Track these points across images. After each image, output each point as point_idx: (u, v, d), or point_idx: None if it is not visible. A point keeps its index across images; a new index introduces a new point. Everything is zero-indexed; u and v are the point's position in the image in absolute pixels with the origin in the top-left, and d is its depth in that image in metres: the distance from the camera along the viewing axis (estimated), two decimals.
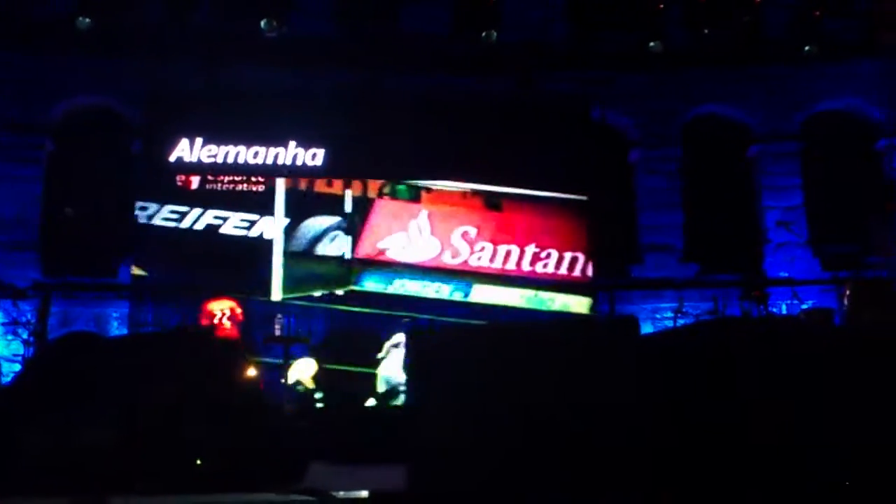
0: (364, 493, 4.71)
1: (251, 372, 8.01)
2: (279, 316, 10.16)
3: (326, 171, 11.80)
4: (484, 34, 11.92)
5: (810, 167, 13.81)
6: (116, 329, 11.76)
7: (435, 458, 4.44)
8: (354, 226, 11.57)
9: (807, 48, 12.68)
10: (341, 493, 4.68)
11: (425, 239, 11.60)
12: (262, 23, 11.27)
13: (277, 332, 10.05)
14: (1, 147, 12.49)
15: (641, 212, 13.75)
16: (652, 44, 12.31)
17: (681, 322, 11.15)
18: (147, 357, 5.64)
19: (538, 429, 4.43)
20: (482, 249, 11.70)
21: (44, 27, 11.91)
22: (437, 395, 4.60)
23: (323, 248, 11.47)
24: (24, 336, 10.00)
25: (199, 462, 5.25)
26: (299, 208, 11.59)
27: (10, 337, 10.63)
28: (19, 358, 9.98)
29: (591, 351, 4.64)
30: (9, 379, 9.72)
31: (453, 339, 4.89)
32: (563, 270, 11.90)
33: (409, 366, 4.64)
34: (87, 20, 10.91)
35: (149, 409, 5.24)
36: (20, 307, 10.51)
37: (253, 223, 11.48)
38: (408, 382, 4.59)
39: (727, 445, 4.37)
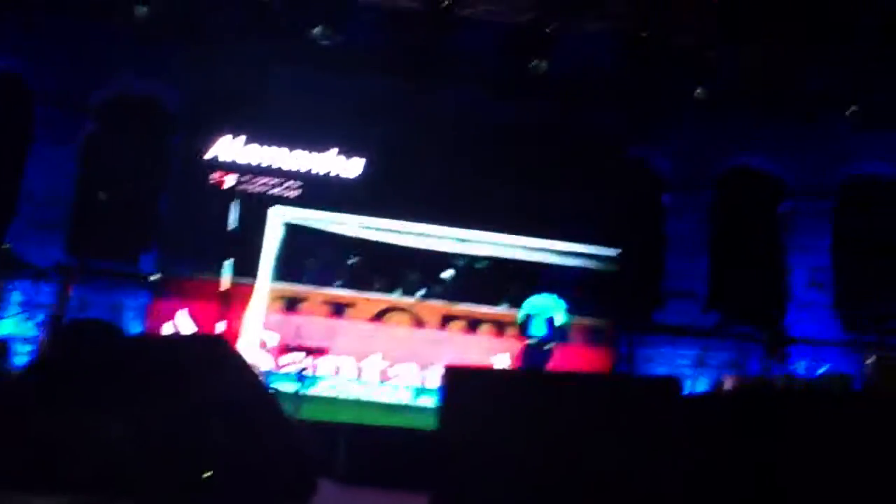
0: None
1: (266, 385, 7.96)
2: (298, 325, 10.03)
3: (363, 183, 11.84)
4: (534, 63, 11.85)
5: (841, 228, 13.70)
6: (132, 320, 11.66)
7: (460, 495, 4.37)
8: None
9: (850, 110, 12.58)
10: None
11: None
12: (317, 29, 11.21)
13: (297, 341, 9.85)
14: (41, 121, 12.40)
15: (668, 256, 13.64)
16: (698, 90, 12.24)
17: (701, 372, 11.10)
18: (169, 360, 5.56)
19: (568, 482, 4.34)
20: None
21: (96, 8, 11.87)
22: (469, 434, 4.51)
23: None
24: (40, 318, 9.92)
25: (208, 473, 5.15)
26: None
27: (24, 317, 10.54)
28: (32, 339, 9.90)
29: (629, 409, 4.54)
30: (21, 360, 9.67)
31: (490, 379, 4.80)
32: None
33: (442, 399, 4.56)
34: (144, 8, 10.85)
35: (169, 412, 5.15)
36: (40, 288, 10.46)
37: None
38: (439, 415, 4.51)
39: None
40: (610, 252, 11.88)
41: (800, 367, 12.37)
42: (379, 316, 11.36)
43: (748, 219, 13.78)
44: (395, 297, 11.45)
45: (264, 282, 11.06)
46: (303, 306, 11.21)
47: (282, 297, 11.16)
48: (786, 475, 4.41)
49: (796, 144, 13.66)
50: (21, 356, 9.90)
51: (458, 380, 4.70)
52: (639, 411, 4.50)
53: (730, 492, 4.53)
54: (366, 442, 8.19)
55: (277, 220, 11.25)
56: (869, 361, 10.43)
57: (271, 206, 11.34)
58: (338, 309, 11.28)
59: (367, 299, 11.37)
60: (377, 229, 11.42)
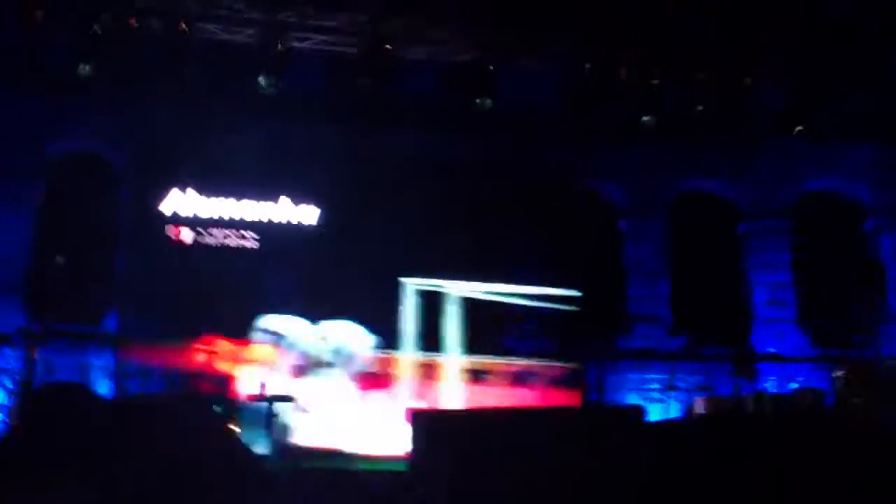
0: None
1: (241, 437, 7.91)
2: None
3: (317, 231, 11.86)
4: (478, 101, 11.97)
5: (799, 245, 13.93)
6: (100, 379, 11.53)
7: None
8: None
9: (797, 129, 12.82)
10: None
11: None
12: (261, 79, 11.24)
13: (261, 391, 9.81)
14: None
15: (629, 282, 13.77)
16: (645, 118, 12.39)
17: (672, 396, 11.18)
18: (140, 422, 5.51)
19: None
20: None
21: (38, 70, 11.84)
22: (438, 475, 4.53)
23: None
24: (9, 385, 9.75)
25: None
26: None
27: None
28: (2, 408, 9.74)
29: (596, 438, 4.59)
30: None
31: (455, 420, 4.83)
32: None
33: (411, 443, 4.58)
34: (88, 67, 10.82)
35: (141, 475, 5.10)
36: (4, 353, 10.28)
37: None
38: (410, 461, 4.52)
39: None
40: (571, 293, 12.02)
41: (770, 384, 12.49)
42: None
43: (706, 241, 13.96)
44: (528, 361, 11.65)
45: (409, 352, 11.40)
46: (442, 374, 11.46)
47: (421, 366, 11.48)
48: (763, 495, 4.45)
49: (746, 166, 13.93)
50: None
51: (423, 422, 4.73)
52: (604, 441, 4.54)
53: None
54: (346, 488, 8.14)
55: (411, 288, 11.50)
56: (838, 374, 10.55)
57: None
58: (477, 375, 11.57)
59: (504, 364, 11.60)
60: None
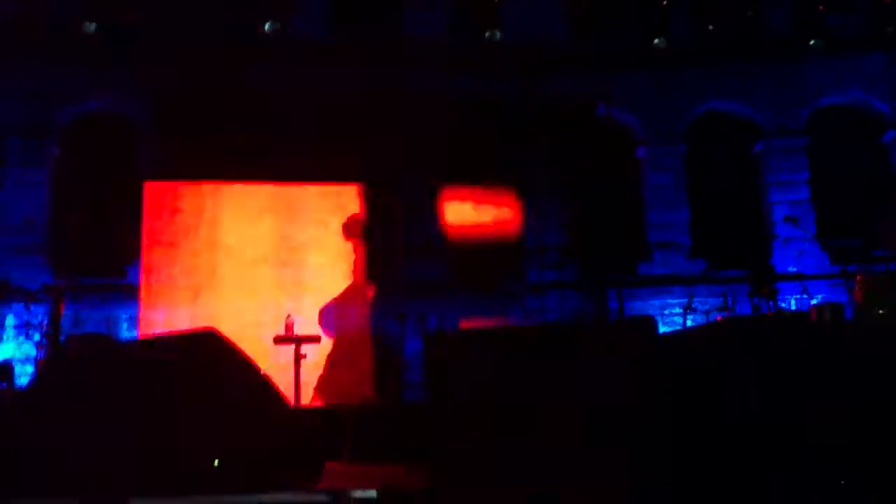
0: (373, 493, 4.74)
1: (264, 372, 8.07)
2: (289, 314, 10.16)
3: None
4: (487, 34, 11.87)
5: (817, 161, 13.83)
6: (126, 330, 11.81)
7: (454, 458, 4.47)
8: None
9: (811, 42, 12.65)
10: (358, 493, 4.70)
11: None
12: (267, 25, 11.24)
13: (284, 332, 9.95)
14: (8, 152, 12.53)
15: (649, 209, 13.78)
16: (656, 41, 12.27)
17: (691, 318, 11.25)
18: (161, 359, 5.63)
19: (555, 428, 4.45)
20: None
21: (48, 32, 11.91)
22: (455, 396, 4.62)
23: None
24: (36, 338, 10.05)
25: (216, 462, 5.25)
26: None
27: (21, 339, 10.68)
28: (31, 360, 10.05)
29: (608, 351, 4.65)
30: (22, 381, 9.80)
31: (468, 341, 4.92)
32: None
33: (425, 367, 4.68)
34: (93, 25, 10.86)
35: (163, 411, 5.24)
36: (32, 309, 10.55)
37: None
38: (425, 384, 4.63)
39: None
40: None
41: (790, 302, 12.50)
42: None
43: (724, 163, 13.91)
44: None
45: None
46: None
47: None
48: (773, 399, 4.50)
49: (761, 83, 13.72)
50: (24, 377, 10.04)
51: (438, 345, 4.83)
52: (617, 351, 4.61)
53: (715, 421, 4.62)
54: (371, 418, 8.31)
55: None
56: (858, 287, 10.54)
57: None
58: None
59: None
60: None
